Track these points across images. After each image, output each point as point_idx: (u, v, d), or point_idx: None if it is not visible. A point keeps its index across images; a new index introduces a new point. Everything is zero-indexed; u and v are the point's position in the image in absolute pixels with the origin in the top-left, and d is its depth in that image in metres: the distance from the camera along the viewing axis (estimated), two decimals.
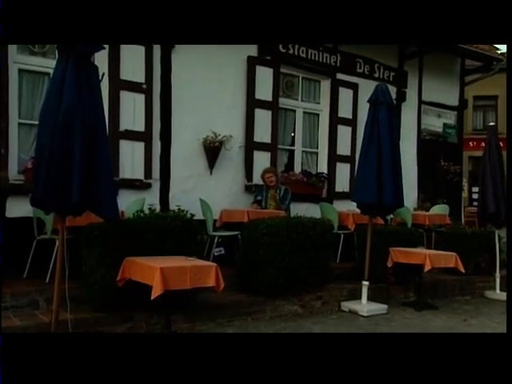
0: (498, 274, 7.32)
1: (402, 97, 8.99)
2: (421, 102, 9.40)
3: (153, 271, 3.99)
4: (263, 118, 7.33)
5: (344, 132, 8.22)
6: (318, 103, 8.21)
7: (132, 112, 6.18)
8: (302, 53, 7.68)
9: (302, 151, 8.08)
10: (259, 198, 6.93)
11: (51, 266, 4.82)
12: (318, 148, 8.24)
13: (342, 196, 7.98)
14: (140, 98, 6.25)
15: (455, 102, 10.06)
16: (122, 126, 6.13)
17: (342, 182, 8.18)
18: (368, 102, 6.07)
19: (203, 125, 6.66)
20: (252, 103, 7.21)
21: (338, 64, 8.10)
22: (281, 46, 7.45)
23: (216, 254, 6.23)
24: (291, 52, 7.55)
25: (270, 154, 7.41)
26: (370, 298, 6.06)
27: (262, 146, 7.34)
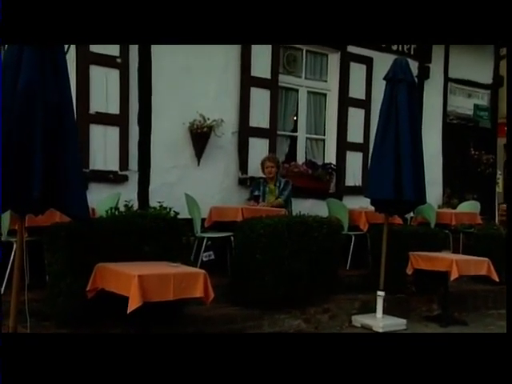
0: None
1: (424, 73, 9.00)
2: (447, 79, 9.43)
3: (129, 280, 3.99)
4: (260, 98, 7.33)
5: (356, 115, 8.23)
6: (325, 81, 8.21)
7: (104, 91, 6.17)
8: None
9: (306, 138, 8.09)
10: (256, 193, 6.95)
11: (7, 273, 4.80)
12: (324, 134, 8.25)
13: (354, 191, 8.00)
14: (114, 75, 6.24)
15: (489, 80, 10.08)
16: (93, 108, 6.12)
17: (354, 174, 8.21)
18: (384, 79, 6.07)
19: (190, 106, 6.65)
20: (247, 81, 7.21)
21: None
22: None
23: (205, 258, 6.24)
24: None
25: (268, 141, 7.42)
26: (387, 312, 6.08)
27: (259, 132, 7.35)
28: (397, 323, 6.03)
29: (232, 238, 6.06)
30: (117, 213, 4.97)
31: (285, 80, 7.74)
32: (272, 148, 7.43)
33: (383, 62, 7.44)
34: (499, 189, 13.41)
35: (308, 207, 7.05)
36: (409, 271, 6.42)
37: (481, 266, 6.37)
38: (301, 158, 7.96)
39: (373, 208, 6.43)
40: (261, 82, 7.32)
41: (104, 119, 6.19)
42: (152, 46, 6.45)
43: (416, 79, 7.27)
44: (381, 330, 5.80)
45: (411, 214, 7.87)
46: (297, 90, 7.97)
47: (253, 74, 7.24)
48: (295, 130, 8.03)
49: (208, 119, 6.67)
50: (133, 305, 3.90)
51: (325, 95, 8.23)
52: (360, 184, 8.14)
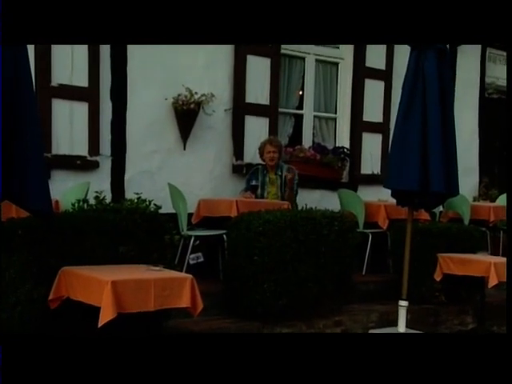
0: None
1: None
2: (486, 44, 9.42)
3: (101, 286, 4.00)
4: (259, 69, 7.36)
5: (374, 89, 8.27)
6: (338, 47, 8.23)
7: (70, 59, 6.17)
8: None
9: (314, 117, 8.13)
10: (254, 183, 6.97)
11: None
12: (336, 112, 8.29)
13: (371, 180, 8.06)
14: None
15: None
16: (56, 80, 6.13)
17: (371, 160, 8.25)
18: (409, 45, 6.07)
19: (173, 78, 6.68)
20: (242, 48, 7.20)
21: None
22: None
23: (192, 261, 6.28)
24: None
25: (267, 120, 7.45)
26: (411, 325, 6.08)
27: (258, 110, 7.38)
28: None
29: (225, 236, 6.09)
30: (85, 206, 4.98)
31: (288, 46, 7.74)
32: (273, 129, 7.45)
33: None
34: None
35: (316, 199, 7.09)
36: (437, 277, 6.45)
37: None
38: (307, 141, 7.99)
39: (394, 201, 6.43)
40: (259, 49, 7.32)
41: (69, 93, 6.20)
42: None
43: (447, 45, 7.27)
44: None
45: (440, 209, 7.90)
46: (303, 59, 7.99)
47: None
48: (301, 106, 8.06)
49: (196, 94, 6.68)
50: (105, 317, 3.91)
51: (337, 65, 8.26)
52: (379, 172, 8.19)
